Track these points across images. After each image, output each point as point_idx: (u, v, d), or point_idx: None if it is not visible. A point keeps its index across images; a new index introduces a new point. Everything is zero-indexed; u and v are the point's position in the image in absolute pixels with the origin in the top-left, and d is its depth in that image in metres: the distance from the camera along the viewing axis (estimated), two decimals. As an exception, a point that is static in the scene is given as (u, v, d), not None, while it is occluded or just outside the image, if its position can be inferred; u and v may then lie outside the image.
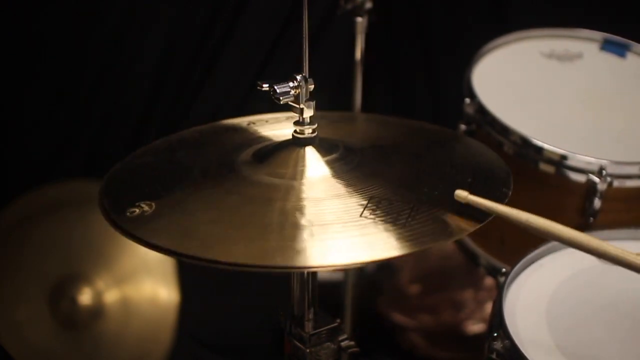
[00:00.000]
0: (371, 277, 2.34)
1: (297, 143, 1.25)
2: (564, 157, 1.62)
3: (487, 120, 1.74)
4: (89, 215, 2.13)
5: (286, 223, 1.11)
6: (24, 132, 2.27)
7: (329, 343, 1.32)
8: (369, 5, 1.90)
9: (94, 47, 2.25)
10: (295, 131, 1.25)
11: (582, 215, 1.64)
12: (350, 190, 1.18)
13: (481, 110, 1.75)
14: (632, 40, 1.98)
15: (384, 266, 2.34)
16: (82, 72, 2.26)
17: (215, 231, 1.11)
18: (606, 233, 1.52)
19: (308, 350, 1.30)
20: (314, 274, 1.30)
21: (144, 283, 2.18)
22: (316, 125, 1.25)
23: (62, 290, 2.14)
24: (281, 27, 2.31)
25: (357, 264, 1.09)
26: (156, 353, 2.18)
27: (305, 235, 1.09)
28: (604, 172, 1.58)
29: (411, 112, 2.49)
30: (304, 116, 1.24)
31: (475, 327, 2.25)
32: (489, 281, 2.24)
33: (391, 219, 1.12)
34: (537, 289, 1.40)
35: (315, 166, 1.22)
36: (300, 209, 1.14)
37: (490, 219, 1.15)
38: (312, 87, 1.23)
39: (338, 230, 1.10)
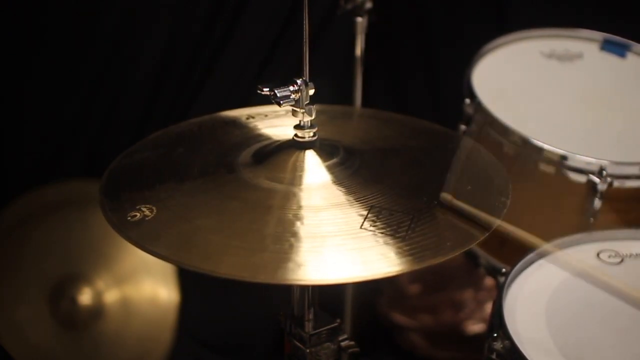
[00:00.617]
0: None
1: (297, 146, 1.25)
2: (564, 158, 1.62)
3: (487, 121, 1.73)
4: (89, 215, 2.13)
5: (286, 234, 1.10)
6: (24, 132, 2.27)
7: (329, 343, 1.32)
8: (369, 5, 1.90)
9: (94, 47, 2.25)
10: (296, 134, 1.25)
11: (582, 215, 1.64)
12: (351, 198, 1.17)
13: (481, 110, 1.75)
14: (632, 40, 1.98)
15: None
16: (82, 72, 2.25)
17: (216, 241, 1.11)
18: (606, 233, 1.52)
19: (308, 350, 1.30)
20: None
21: (144, 283, 2.18)
22: (316, 129, 1.25)
23: (62, 290, 2.14)
24: (281, 27, 2.31)
25: (356, 280, 1.08)
26: (156, 353, 2.18)
27: (305, 248, 1.09)
28: (604, 172, 1.58)
29: (411, 112, 2.47)
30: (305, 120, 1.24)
31: (475, 327, 2.25)
32: (489, 281, 2.24)
33: (391, 231, 1.11)
34: (537, 289, 1.40)
35: (315, 172, 1.22)
36: (300, 219, 1.13)
37: (489, 233, 1.15)
38: (312, 91, 1.23)
39: (338, 242, 1.10)
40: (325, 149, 1.25)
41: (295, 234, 1.10)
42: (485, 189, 1.25)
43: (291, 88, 1.21)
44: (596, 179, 1.59)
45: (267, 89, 1.21)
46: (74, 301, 2.14)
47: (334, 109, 1.47)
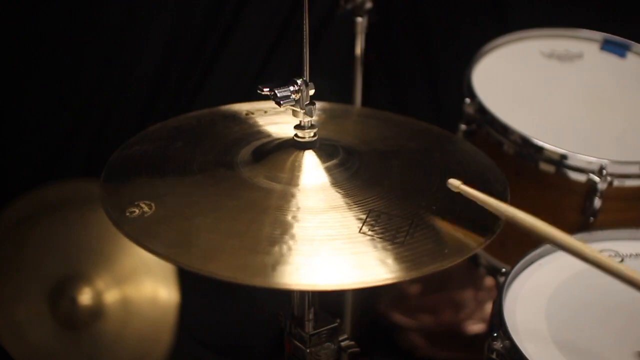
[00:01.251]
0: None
1: (297, 145, 1.25)
2: (564, 157, 1.62)
3: (487, 120, 1.73)
4: (89, 215, 2.13)
5: (283, 236, 1.10)
6: (24, 132, 2.27)
7: (329, 343, 1.32)
8: (369, 5, 1.90)
9: (94, 47, 2.25)
10: (296, 134, 1.25)
11: (582, 214, 1.64)
12: (349, 201, 1.17)
13: (481, 110, 1.75)
14: (632, 40, 1.98)
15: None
16: (82, 72, 2.26)
17: (213, 240, 1.10)
18: (606, 233, 1.52)
19: (308, 350, 1.30)
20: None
21: (144, 283, 2.18)
22: (317, 129, 1.25)
23: (62, 290, 2.14)
24: (281, 27, 2.31)
25: (354, 286, 1.07)
26: (156, 353, 2.18)
27: (302, 252, 1.08)
28: (604, 171, 1.58)
29: (411, 112, 2.48)
30: (305, 121, 1.24)
31: (475, 327, 2.25)
32: (489, 281, 2.24)
33: (389, 236, 1.11)
34: (537, 289, 1.40)
35: (314, 173, 1.22)
36: (298, 221, 1.13)
37: (488, 242, 1.14)
38: (312, 91, 1.23)
39: (336, 247, 1.09)
40: (324, 150, 1.25)
41: (293, 237, 1.10)
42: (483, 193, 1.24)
43: (291, 88, 1.21)
44: (596, 178, 1.59)
45: (267, 89, 1.21)
46: (74, 301, 2.14)
47: (333, 108, 1.47)
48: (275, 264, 1.06)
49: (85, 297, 2.14)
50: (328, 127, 1.35)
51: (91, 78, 2.27)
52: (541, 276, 1.43)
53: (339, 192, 1.19)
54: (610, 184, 1.60)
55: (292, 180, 1.20)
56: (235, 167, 1.24)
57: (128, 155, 1.29)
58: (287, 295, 1.32)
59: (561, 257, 1.48)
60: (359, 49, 1.95)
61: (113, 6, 2.21)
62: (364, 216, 1.14)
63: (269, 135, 1.34)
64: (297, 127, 1.25)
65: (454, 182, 1.16)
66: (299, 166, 1.22)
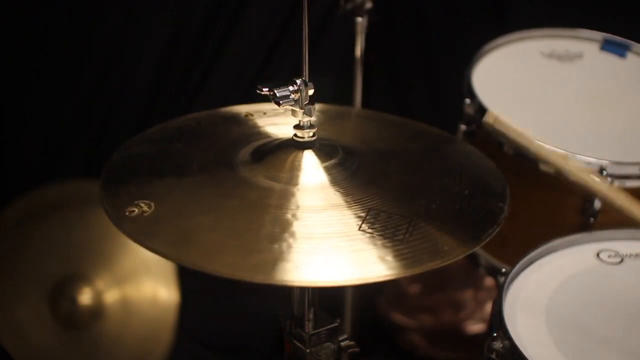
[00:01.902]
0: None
1: (296, 145, 1.25)
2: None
3: (487, 120, 1.73)
4: (89, 215, 2.13)
5: (283, 234, 1.10)
6: (24, 132, 2.27)
7: (329, 343, 1.32)
8: (369, 5, 1.90)
9: (94, 47, 2.25)
10: (295, 134, 1.25)
11: (582, 215, 1.63)
12: (349, 200, 1.17)
13: (481, 110, 1.75)
14: (632, 40, 1.98)
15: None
16: (82, 72, 2.26)
17: (213, 239, 1.10)
18: (606, 233, 1.52)
19: (308, 350, 1.30)
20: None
21: (144, 283, 2.18)
22: (316, 129, 1.25)
23: (62, 290, 2.14)
24: (281, 27, 2.31)
25: (354, 283, 1.08)
26: (156, 353, 2.18)
27: (302, 249, 1.08)
28: (604, 172, 1.58)
29: (411, 112, 2.49)
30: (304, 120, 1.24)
31: (475, 327, 2.25)
32: (489, 281, 2.24)
33: (389, 234, 1.11)
34: (537, 289, 1.40)
35: (314, 172, 1.22)
36: (298, 219, 1.13)
37: (487, 240, 1.15)
38: (312, 91, 1.23)
39: (335, 244, 1.10)
40: (324, 150, 1.25)
41: (292, 235, 1.10)
42: (483, 194, 1.25)
43: (291, 88, 1.21)
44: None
45: (267, 89, 1.21)
46: (74, 301, 2.14)
47: (333, 109, 1.47)
48: (275, 261, 1.06)
49: (85, 297, 2.14)
50: (327, 127, 1.35)
51: (91, 78, 2.26)
52: (541, 276, 1.43)
53: (339, 191, 1.19)
54: (611, 184, 1.60)
55: (291, 179, 1.21)
56: (235, 167, 1.24)
57: (128, 156, 1.30)
58: (287, 296, 1.32)
59: (561, 257, 1.49)
60: (359, 49, 1.95)
61: (113, 6, 2.21)
62: (363, 214, 1.14)
63: (268, 136, 1.34)
64: (297, 127, 1.25)
65: (491, 116, 1.13)
66: (299, 166, 1.22)
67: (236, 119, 1.41)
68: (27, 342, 2.11)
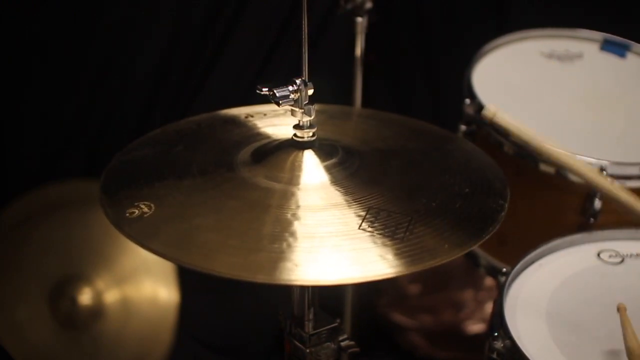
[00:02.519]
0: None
1: (296, 145, 1.25)
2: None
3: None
4: (89, 215, 2.13)
5: (283, 234, 1.10)
6: (24, 132, 2.27)
7: (329, 343, 1.32)
8: (369, 5, 1.90)
9: (94, 47, 2.25)
10: (295, 134, 1.25)
11: (582, 215, 1.64)
12: (349, 198, 1.17)
13: (481, 110, 1.75)
14: (632, 40, 1.98)
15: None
16: (82, 72, 2.26)
17: (213, 239, 1.10)
18: (606, 233, 1.52)
19: (308, 350, 1.30)
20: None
21: (144, 283, 2.18)
22: (315, 129, 1.25)
23: (62, 290, 2.14)
24: (281, 27, 2.31)
25: (354, 281, 1.08)
26: (156, 353, 2.18)
27: (302, 248, 1.08)
28: (604, 172, 1.58)
29: (411, 112, 2.48)
30: (304, 120, 1.24)
31: (475, 327, 2.25)
32: (489, 281, 2.24)
33: (389, 232, 1.11)
34: (537, 288, 1.40)
35: (314, 172, 1.22)
36: (298, 219, 1.13)
37: (487, 237, 1.15)
38: (311, 91, 1.23)
39: (336, 243, 1.10)
40: (324, 149, 1.25)
41: (293, 234, 1.10)
42: (483, 192, 1.25)
43: (290, 88, 1.21)
44: (596, 179, 1.59)
45: (266, 89, 1.21)
46: (74, 301, 2.14)
47: (333, 109, 1.47)
48: (276, 260, 1.06)
49: (85, 297, 2.14)
50: (327, 127, 1.35)
51: (91, 78, 2.26)
52: (541, 276, 1.43)
53: (339, 190, 1.19)
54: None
55: (291, 179, 1.21)
56: (235, 168, 1.24)
57: (127, 159, 1.30)
58: (287, 296, 1.32)
59: (562, 257, 1.49)
60: (359, 49, 1.95)
61: (113, 6, 2.21)
62: (363, 213, 1.14)
63: (268, 136, 1.34)
64: (296, 126, 1.25)
65: (490, 110, 1.13)
66: (299, 165, 1.22)
67: (236, 120, 1.41)
68: (27, 342, 2.11)
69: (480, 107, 1.76)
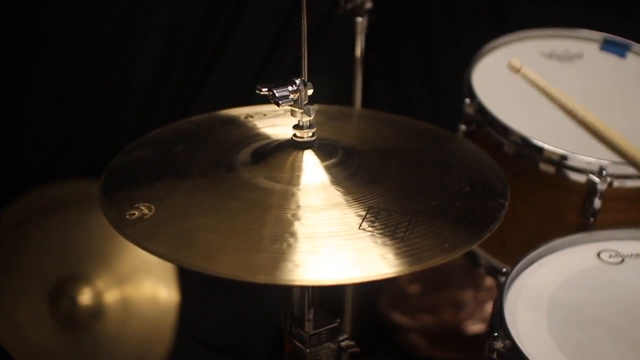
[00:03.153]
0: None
1: (296, 145, 1.25)
2: (564, 157, 1.62)
3: (487, 121, 1.73)
4: (89, 215, 2.13)
5: (284, 234, 1.10)
6: (24, 132, 2.27)
7: (329, 343, 1.32)
8: (369, 5, 1.90)
9: (94, 47, 2.25)
10: (294, 134, 1.25)
11: (582, 215, 1.64)
12: (349, 198, 1.17)
13: (481, 110, 1.75)
14: (632, 40, 1.98)
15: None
16: (82, 72, 2.26)
17: (214, 240, 1.10)
18: (607, 233, 1.52)
19: (308, 350, 1.30)
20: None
21: (144, 283, 2.18)
22: (315, 129, 1.25)
23: (62, 290, 2.14)
24: (281, 27, 2.31)
25: (354, 281, 1.08)
26: (156, 353, 2.18)
27: (303, 249, 1.08)
28: (604, 172, 1.58)
29: (411, 112, 2.48)
30: (304, 120, 1.24)
31: (475, 327, 2.25)
32: (489, 281, 2.24)
33: (389, 231, 1.11)
34: (537, 288, 1.40)
35: (313, 172, 1.22)
36: (298, 219, 1.13)
37: (487, 235, 1.15)
38: (311, 90, 1.23)
39: (336, 243, 1.10)
40: (323, 149, 1.25)
41: (293, 234, 1.10)
42: (484, 191, 1.25)
43: (290, 88, 1.21)
44: (596, 179, 1.59)
45: (266, 89, 1.21)
46: (74, 301, 2.14)
47: (333, 109, 1.47)
48: (276, 261, 1.06)
49: (85, 297, 2.14)
50: (327, 128, 1.35)
51: (91, 78, 2.27)
52: (541, 276, 1.43)
53: (339, 190, 1.19)
54: (610, 184, 1.60)
55: (291, 179, 1.21)
56: (235, 168, 1.24)
57: (127, 160, 1.30)
58: (287, 296, 1.32)
59: (562, 257, 1.49)
60: (359, 49, 1.95)
61: (113, 6, 2.21)
62: (363, 213, 1.14)
63: (268, 137, 1.34)
64: (296, 126, 1.25)
65: (516, 62, 1.13)
66: (299, 166, 1.22)
67: (236, 121, 1.41)
68: (27, 342, 2.11)
69: (480, 106, 1.76)
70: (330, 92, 1.39)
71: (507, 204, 1.20)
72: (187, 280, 2.18)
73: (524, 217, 1.64)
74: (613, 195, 1.61)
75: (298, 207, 1.16)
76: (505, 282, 1.38)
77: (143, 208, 1.15)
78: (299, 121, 1.24)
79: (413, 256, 1.08)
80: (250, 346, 2.30)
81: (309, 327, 1.30)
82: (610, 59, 1.97)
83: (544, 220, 1.71)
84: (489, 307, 1.67)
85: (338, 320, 1.33)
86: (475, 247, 1.83)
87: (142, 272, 2.17)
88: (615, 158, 1.61)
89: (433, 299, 2.32)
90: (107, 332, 2.15)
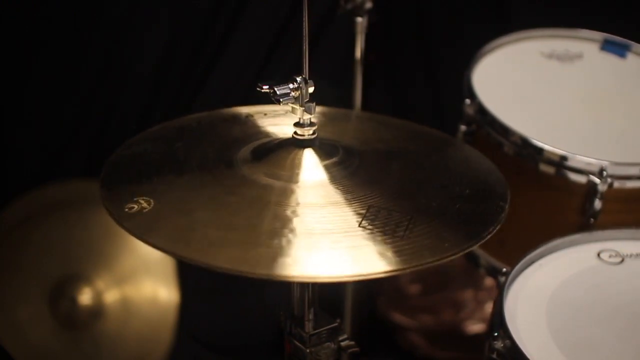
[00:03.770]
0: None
1: (297, 144, 1.25)
2: (564, 158, 1.62)
3: (487, 121, 1.73)
4: (89, 215, 2.13)
5: (283, 230, 1.10)
6: (24, 132, 2.27)
7: (329, 343, 1.32)
8: (369, 5, 1.90)
9: (94, 46, 2.25)
10: (295, 132, 1.25)
11: (582, 216, 1.64)
12: (349, 197, 1.17)
13: (481, 110, 1.75)
14: (632, 40, 1.98)
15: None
16: (82, 72, 2.26)
17: (213, 234, 1.10)
18: (607, 233, 1.52)
19: (308, 350, 1.30)
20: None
21: (144, 283, 2.18)
22: (316, 127, 1.25)
23: (62, 290, 2.14)
24: (282, 26, 2.31)
25: (353, 278, 1.08)
26: (156, 353, 2.18)
27: (302, 245, 1.09)
28: (604, 173, 1.58)
29: (411, 112, 2.49)
30: (304, 118, 1.24)
31: (475, 327, 2.25)
32: (488, 281, 2.24)
33: (389, 230, 1.11)
34: (537, 288, 1.40)
35: (313, 170, 1.22)
36: (298, 216, 1.13)
37: (487, 237, 1.15)
38: (312, 88, 1.23)
39: (335, 240, 1.10)
40: (324, 148, 1.25)
41: (292, 230, 1.11)
42: (484, 194, 1.25)
43: (291, 86, 1.21)
44: (596, 180, 1.59)
45: (267, 87, 1.21)
46: (74, 301, 2.14)
47: (333, 111, 1.47)
48: (275, 256, 1.06)
49: (85, 297, 2.14)
50: (328, 129, 1.36)
51: (91, 77, 2.27)
52: (542, 276, 1.43)
53: (339, 189, 1.19)
54: (611, 185, 1.60)
55: (291, 177, 1.21)
56: (235, 165, 1.25)
57: (128, 154, 1.30)
58: (287, 296, 1.32)
59: (562, 257, 1.49)
60: (359, 49, 1.95)
61: (113, 6, 2.21)
62: (363, 211, 1.14)
63: (268, 135, 1.35)
64: (297, 124, 1.25)
65: None
66: (299, 164, 1.23)
67: (236, 119, 1.42)
68: (27, 342, 2.11)
69: (480, 107, 1.76)
70: (330, 92, 1.39)
71: (507, 207, 1.20)
72: (187, 280, 2.18)
73: (524, 217, 1.64)
74: (613, 196, 1.61)
75: (297, 204, 1.16)
76: (505, 282, 1.38)
77: (142, 202, 1.15)
78: (299, 119, 1.24)
79: (412, 255, 1.08)
80: (250, 346, 2.30)
81: (309, 327, 1.30)
82: (610, 59, 1.97)
83: (544, 221, 1.71)
84: (489, 307, 1.67)
85: (338, 320, 1.33)
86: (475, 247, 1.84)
87: (142, 272, 2.17)
88: (616, 158, 1.61)
89: (433, 299, 2.32)
90: (107, 332, 2.15)
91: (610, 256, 1.48)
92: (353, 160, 1.26)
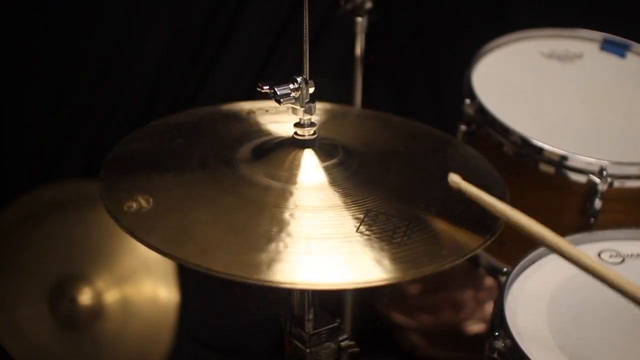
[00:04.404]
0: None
1: (297, 144, 1.25)
2: (564, 158, 1.62)
3: (487, 121, 1.73)
4: (89, 215, 2.13)
5: (280, 234, 1.10)
6: (24, 132, 2.27)
7: (329, 343, 1.32)
8: (369, 5, 1.90)
9: (94, 47, 2.25)
10: (295, 132, 1.25)
11: (582, 215, 1.64)
12: (348, 200, 1.17)
13: (481, 110, 1.75)
14: (632, 40, 1.98)
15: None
16: (82, 72, 2.26)
17: (210, 235, 1.10)
18: (607, 233, 1.52)
19: (308, 350, 1.30)
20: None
21: (144, 283, 2.18)
22: (316, 127, 1.25)
23: (62, 290, 2.14)
24: (282, 26, 2.31)
25: (351, 286, 1.07)
26: (156, 353, 2.18)
27: (299, 250, 1.08)
28: (604, 172, 1.58)
29: (411, 112, 2.49)
30: (305, 118, 1.24)
31: (475, 327, 2.25)
32: (489, 281, 2.24)
33: (387, 236, 1.10)
34: (538, 288, 1.40)
35: (313, 172, 1.22)
36: (295, 219, 1.13)
37: (487, 244, 1.14)
38: (312, 89, 1.23)
39: (333, 245, 1.09)
40: (324, 149, 1.25)
41: (289, 234, 1.10)
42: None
43: (291, 86, 1.21)
44: (596, 179, 1.59)
45: (267, 87, 1.21)
46: (74, 301, 2.14)
47: (333, 109, 1.47)
48: (270, 261, 1.06)
49: (85, 297, 2.14)
50: (328, 127, 1.35)
51: (91, 77, 2.26)
52: (542, 276, 1.43)
53: (337, 192, 1.19)
54: (611, 185, 1.60)
55: (290, 178, 1.20)
56: (234, 164, 1.24)
57: (127, 151, 1.29)
58: (287, 296, 1.32)
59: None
60: (359, 49, 1.95)
61: (113, 5, 2.21)
62: (361, 216, 1.14)
63: (269, 133, 1.34)
64: (297, 125, 1.25)
65: (454, 178, 1.14)
66: (298, 164, 1.22)
67: (237, 116, 1.41)
68: (27, 342, 2.11)
69: (480, 107, 1.76)
70: (330, 92, 1.39)
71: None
72: (187, 280, 2.18)
73: (524, 217, 1.64)
74: (613, 196, 1.61)
75: (296, 206, 1.15)
76: (505, 282, 1.38)
77: (141, 200, 1.15)
78: (300, 119, 1.24)
79: (410, 262, 1.07)
80: (250, 346, 2.30)
81: (309, 327, 1.30)
82: (610, 59, 1.97)
83: (544, 221, 1.69)
84: (489, 307, 1.67)
85: (338, 320, 1.33)
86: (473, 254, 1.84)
87: (142, 272, 2.17)
88: (616, 158, 1.61)
89: (433, 299, 2.32)
90: (107, 332, 2.15)
91: (611, 256, 1.48)
92: (353, 161, 1.25)
